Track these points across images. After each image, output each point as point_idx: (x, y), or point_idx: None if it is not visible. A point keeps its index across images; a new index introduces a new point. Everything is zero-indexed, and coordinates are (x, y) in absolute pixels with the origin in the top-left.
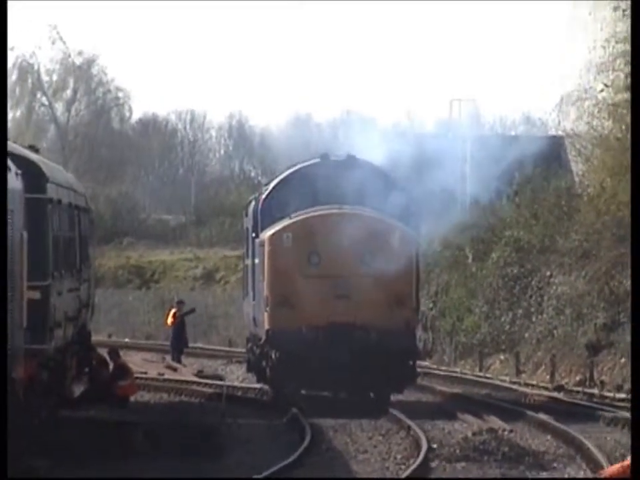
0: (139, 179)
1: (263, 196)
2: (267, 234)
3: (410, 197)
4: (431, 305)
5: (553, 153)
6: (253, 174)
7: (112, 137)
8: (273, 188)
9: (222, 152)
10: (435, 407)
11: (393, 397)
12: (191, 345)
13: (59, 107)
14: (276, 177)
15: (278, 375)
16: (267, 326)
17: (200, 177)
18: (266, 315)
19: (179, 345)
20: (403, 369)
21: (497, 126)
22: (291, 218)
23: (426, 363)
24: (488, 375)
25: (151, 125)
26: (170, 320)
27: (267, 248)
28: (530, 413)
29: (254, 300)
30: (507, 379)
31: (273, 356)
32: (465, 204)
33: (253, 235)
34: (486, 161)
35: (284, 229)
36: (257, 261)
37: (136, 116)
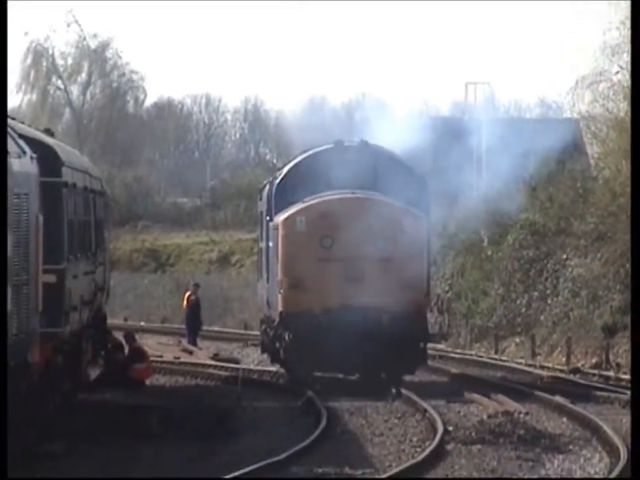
0: (154, 163)
1: (277, 180)
2: (280, 218)
3: (422, 182)
4: (446, 288)
5: (568, 136)
6: (268, 157)
7: (127, 120)
8: (287, 172)
9: (237, 135)
10: (450, 390)
11: (409, 379)
12: (206, 328)
13: (74, 91)
14: (290, 161)
15: (291, 357)
16: (280, 308)
17: (215, 160)
18: (280, 297)
19: (194, 327)
20: (414, 351)
21: (512, 109)
22: (304, 202)
23: (441, 346)
24: (503, 358)
25: (166, 109)
26: (185, 303)
27: (280, 231)
28: (546, 395)
29: (268, 282)
30: (523, 361)
31: (287, 337)
32: (480, 187)
33: (267, 218)
34: (500, 144)
35: (297, 212)
36: (270, 244)
37: (151, 99)
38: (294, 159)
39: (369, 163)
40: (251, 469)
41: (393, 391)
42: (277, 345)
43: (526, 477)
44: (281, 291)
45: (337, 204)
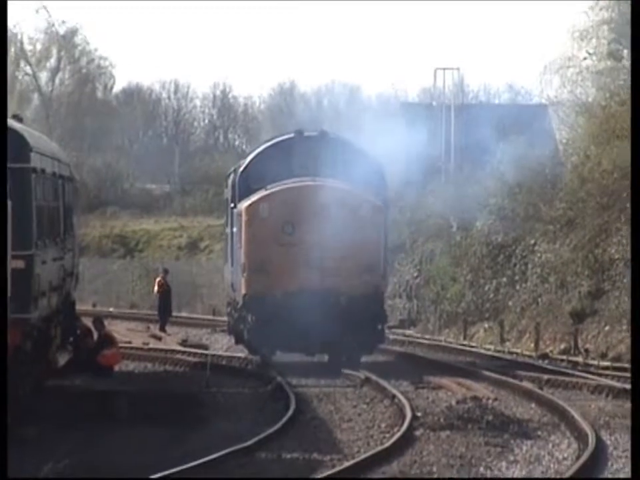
0: (123, 148)
1: (241, 168)
2: (244, 204)
3: (380, 170)
4: (415, 274)
5: (536, 121)
6: (237, 143)
7: (96, 106)
8: (250, 161)
9: (206, 121)
10: (419, 376)
11: (379, 366)
12: (175, 314)
13: (43, 77)
14: (252, 150)
15: (254, 338)
16: (243, 291)
17: (184, 146)
18: (243, 280)
19: (164, 314)
20: (372, 332)
21: (481, 95)
22: (266, 189)
23: (410, 332)
24: (472, 344)
25: (135, 95)
26: (156, 288)
27: (244, 218)
28: (514, 381)
29: (232, 266)
30: (492, 347)
31: (250, 319)
32: (448, 172)
33: (232, 205)
34: (469, 129)
35: (260, 199)
36: (234, 229)
37: (120, 85)
38: (256, 148)
39: (328, 152)
40: (220, 454)
41: (361, 377)
42: (241, 326)
43: (494, 462)
44: (244, 274)
45: (298, 191)
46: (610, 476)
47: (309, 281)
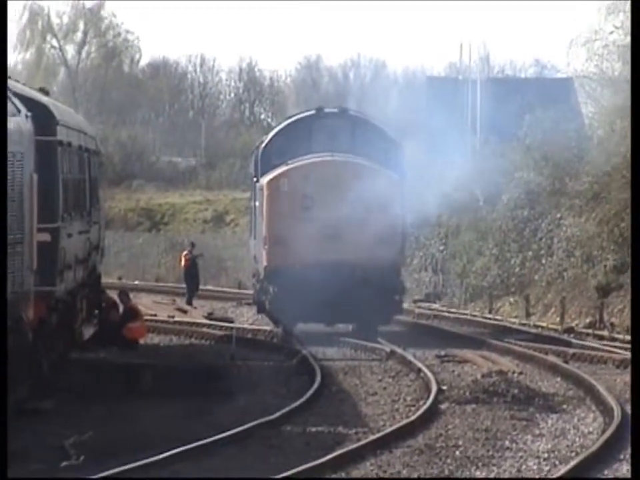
0: (149, 122)
1: (263, 144)
2: (265, 179)
3: (398, 146)
4: (441, 248)
5: (563, 95)
6: (262, 116)
7: (122, 80)
8: (272, 137)
9: (232, 95)
10: (443, 350)
11: (402, 339)
12: (201, 287)
13: (70, 50)
14: (275, 126)
15: (275, 308)
16: (265, 263)
17: (210, 120)
18: (264, 253)
19: (191, 287)
20: (389, 303)
21: (507, 69)
22: (287, 165)
23: (436, 305)
24: (498, 317)
25: (161, 68)
26: (183, 262)
27: (265, 192)
28: (539, 355)
29: (255, 239)
30: (517, 321)
31: (271, 290)
32: (475, 146)
33: (254, 180)
34: (496, 102)
35: (281, 175)
36: (257, 203)
37: (146, 59)
38: (279, 124)
39: (348, 129)
40: (245, 427)
41: (387, 350)
42: (263, 297)
43: (519, 436)
44: (265, 247)
45: (317, 166)
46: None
47: (327, 253)
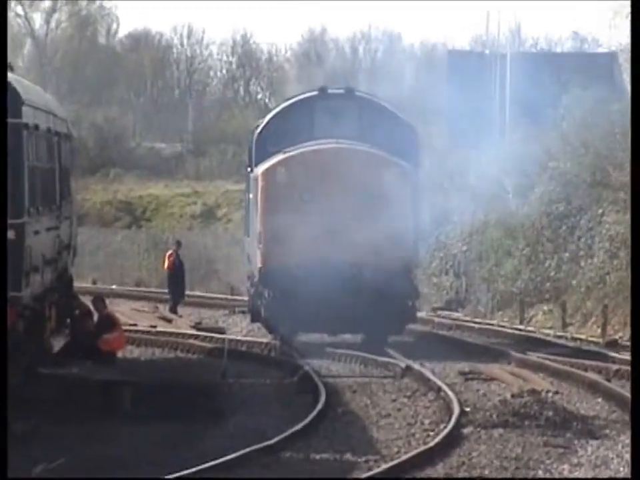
0: (128, 102)
1: (258, 129)
2: (260, 169)
3: (413, 132)
4: (464, 248)
5: (605, 71)
6: (259, 96)
7: (98, 53)
8: (268, 121)
9: (224, 71)
10: (468, 365)
11: (419, 353)
12: (188, 292)
13: (37, 18)
14: (272, 109)
15: (272, 314)
16: (259, 264)
17: (199, 100)
18: (259, 252)
19: (176, 293)
20: (401, 309)
21: (541, 42)
22: (285, 153)
23: (458, 314)
24: (530, 328)
25: (142, 40)
26: (167, 264)
27: (260, 183)
28: (578, 371)
29: (249, 237)
30: (552, 332)
31: (266, 295)
32: (503, 130)
33: (248, 169)
34: (528, 80)
35: (277, 164)
36: (251, 196)
37: (125, 30)
38: (276, 106)
39: (355, 112)
40: (239, 454)
41: (402, 365)
42: (258, 302)
43: (554, 465)
44: (260, 245)
45: (319, 154)
46: None
47: (329, 252)
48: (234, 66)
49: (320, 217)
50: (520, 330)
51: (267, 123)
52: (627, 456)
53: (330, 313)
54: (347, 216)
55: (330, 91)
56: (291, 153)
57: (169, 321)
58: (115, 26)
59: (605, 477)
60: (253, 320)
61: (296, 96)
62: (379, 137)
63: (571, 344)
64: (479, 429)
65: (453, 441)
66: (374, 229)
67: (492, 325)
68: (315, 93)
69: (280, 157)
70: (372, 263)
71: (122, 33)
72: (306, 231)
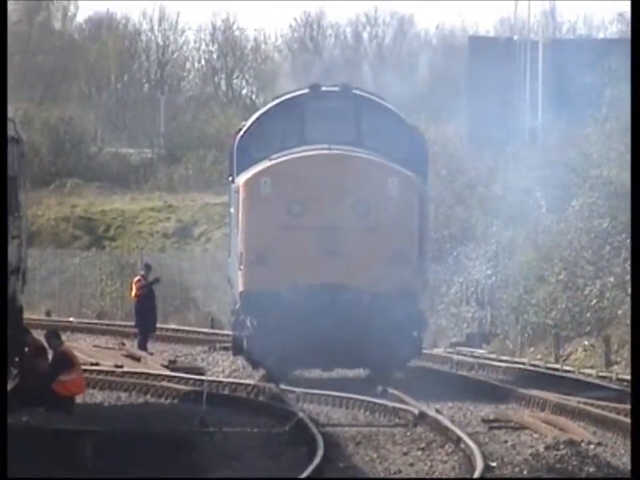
0: (88, 99)
1: (240, 133)
2: (242, 178)
3: (417, 136)
4: (489, 271)
5: None
6: (244, 91)
7: (51, 40)
8: (252, 124)
9: (202, 62)
10: (493, 412)
11: (435, 397)
12: (160, 325)
13: None
14: (257, 109)
15: (255, 346)
16: (240, 287)
17: (172, 96)
18: (240, 274)
19: (145, 326)
20: (405, 340)
21: (580, 27)
22: (271, 160)
23: (482, 351)
24: (567, 367)
25: (104, 26)
26: (134, 292)
27: (241, 195)
28: (625, 419)
29: (230, 257)
30: (593, 372)
31: (248, 324)
32: (535, 132)
33: (230, 179)
34: (564, 73)
35: (261, 172)
36: (232, 210)
37: (84, 13)
38: (262, 107)
39: (352, 113)
40: None
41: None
42: (239, 333)
43: None
44: (241, 267)
45: (309, 162)
46: None
47: (322, 274)
48: (214, 56)
49: (311, 233)
50: (555, 369)
51: (251, 125)
52: None
53: (322, 345)
54: (341, 233)
55: (323, 88)
56: (277, 160)
57: (137, 359)
58: (72, 8)
59: None
60: (235, 353)
61: (284, 94)
62: (379, 142)
63: (617, 386)
64: None
65: None
66: (373, 247)
67: (522, 363)
68: (306, 90)
69: (264, 164)
70: (370, 286)
71: (81, 17)
72: (294, 250)
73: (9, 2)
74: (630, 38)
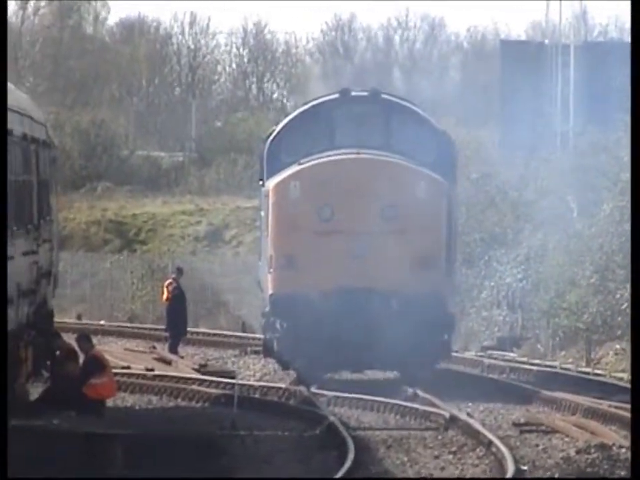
0: (120, 102)
1: (270, 137)
2: (272, 182)
3: (446, 141)
4: (520, 276)
5: None
6: (275, 95)
7: (83, 44)
8: (282, 128)
9: (233, 65)
10: (524, 416)
11: (466, 400)
12: (191, 328)
13: (10, 4)
14: (288, 114)
15: (285, 349)
16: (270, 290)
17: (203, 100)
18: (270, 277)
19: (176, 330)
20: (433, 343)
21: (611, 30)
22: (300, 164)
23: (513, 355)
24: (598, 371)
25: (136, 29)
26: (165, 295)
27: (271, 199)
28: None
29: (260, 260)
30: (625, 376)
31: (278, 326)
32: (566, 136)
33: (260, 183)
34: (596, 77)
35: (291, 176)
36: (262, 213)
37: (115, 17)
38: (293, 111)
39: (381, 118)
40: None
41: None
42: (269, 335)
43: None
44: (271, 270)
45: (339, 166)
46: None
47: (351, 278)
48: (245, 59)
49: (340, 237)
50: (587, 373)
51: (281, 129)
52: None
53: (351, 348)
54: (370, 236)
55: (353, 93)
56: (307, 165)
57: (168, 362)
58: (103, 13)
59: None
60: (265, 355)
61: (315, 99)
62: (408, 146)
63: None
64: None
65: None
66: (402, 251)
67: (553, 367)
68: (335, 95)
69: (295, 168)
70: (399, 290)
71: (112, 21)
72: (323, 253)
73: (41, 6)
74: (631, 38)
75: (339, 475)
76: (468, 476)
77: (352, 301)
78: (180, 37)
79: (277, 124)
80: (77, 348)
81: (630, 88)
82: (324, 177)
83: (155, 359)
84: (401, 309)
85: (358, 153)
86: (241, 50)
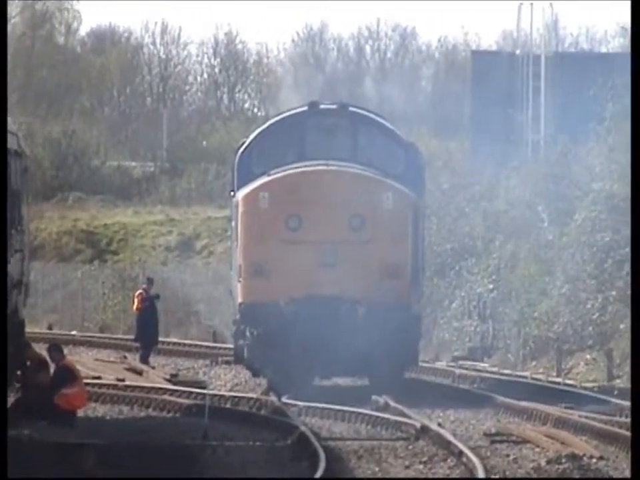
0: (91, 113)
1: (241, 149)
2: (241, 193)
3: (413, 153)
4: (491, 286)
5: None
6: (247, 105)
7: (54, 55)
8: (252, 140)
9: (205, 75)
10: (495, 426)
11: (437, 410)
12: (162, 338)
13: None
14: (259, 125)
15: (255, 356)
16: (240, 299)
17: (175, 110)
18: (239, 286)
19: (147, 339)
20: (399, 351)
21: (582, 40)
22: (269, 175)
23: (484, 365)
24: (569, 381)
25: (107, 39)
26: (136, 305)
27: (240, 209)
28: (627, 433)
29: (231, 270)
30: (595, 385)
31: (248, 334)
32: (537, 146)
33: (231, 193)
34: (567, 87)
35: (260, 187)
36: (233, 223)
37: (87, 27)
38: (262, 124)
39: (349, 130)
40: None
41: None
42: (240, 342)
43: None
44: (240, 279)
45: (307, 177)
46: None
47: (319, 286)
48: (216, 69)
49: (307, 246)
50: (557, 383)
51: (252, 141)
52: None
53: (320, 354)
54: (337, 246)
55: (322, 106)
56: (275, 176)
57: (139, 373)
58: (75, 23)
59: None
60: (236, 362)
61: (284, 111)
62: (375, 158)
63: (619, 400)
64: None
65: None
66: (368, 260)
67: (524, 377)
68: (304, 108)
69: (264, 179)
70: (365, 298)
71: (83, 31)
72: (292, 262)
73: (12, 16)
74: (631, 38)
75: None
76: None
77: (320, 308)
78: (151, 47)
79: (248, 134)
80: (48, 358)
81: (631, 89)
82: (292, 188)
83: (126, 369)
84: (368, 317)
85: (326, 165)
86: (212, 60)
